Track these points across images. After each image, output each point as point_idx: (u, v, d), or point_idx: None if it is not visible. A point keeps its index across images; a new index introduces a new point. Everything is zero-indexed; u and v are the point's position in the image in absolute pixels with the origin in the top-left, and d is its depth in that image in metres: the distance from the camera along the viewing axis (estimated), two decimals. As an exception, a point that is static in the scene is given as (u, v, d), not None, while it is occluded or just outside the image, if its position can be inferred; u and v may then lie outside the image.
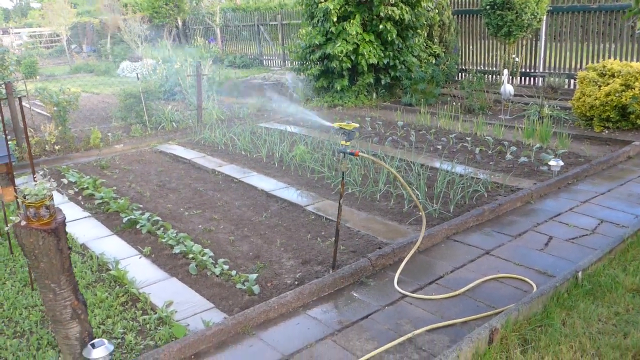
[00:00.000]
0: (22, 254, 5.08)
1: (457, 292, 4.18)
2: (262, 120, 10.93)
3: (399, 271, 4.51)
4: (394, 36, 11.45)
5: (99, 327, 3.90)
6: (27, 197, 3.03)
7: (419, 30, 12.35)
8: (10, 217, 3.12)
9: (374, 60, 11.46)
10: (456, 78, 13.82)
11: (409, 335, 3.63)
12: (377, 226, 5.52)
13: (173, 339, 3.68)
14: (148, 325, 3.93)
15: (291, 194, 6.58)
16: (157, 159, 8.68)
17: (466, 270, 4.57)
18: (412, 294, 4.19)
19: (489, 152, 7.88)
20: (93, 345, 3.26)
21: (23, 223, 3.04)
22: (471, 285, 4.27)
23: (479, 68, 13.72)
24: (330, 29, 11.44)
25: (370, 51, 11.43)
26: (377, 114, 11.00)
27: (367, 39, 11.42)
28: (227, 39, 22.69)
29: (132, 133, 10.04)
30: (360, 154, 4.25)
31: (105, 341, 3.30)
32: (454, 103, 10.73)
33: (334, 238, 4.60)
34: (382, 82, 12.03)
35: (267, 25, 20.33)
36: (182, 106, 12.24)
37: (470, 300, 4.09)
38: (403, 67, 12.04)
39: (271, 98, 12.70)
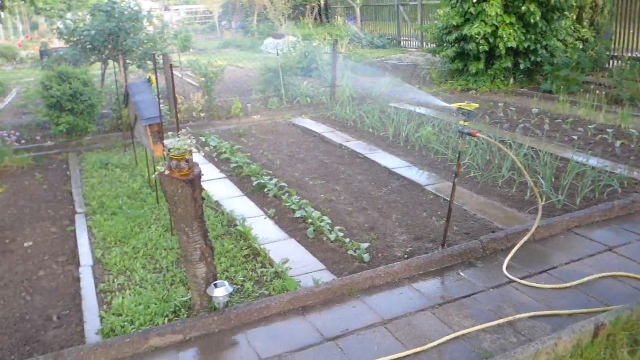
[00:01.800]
0: (166, 203, 5.77)
1: (568, 284, 4.07)
2: (393, 100, 11.03)
3: (509, 256, 4.48)
4: (537, 18, 10.86)
5: (223, 273, 4.37)
6: (171, 151, 3.50)
7: (566, 12, 11.58)
8: (157, 167, 3.63)
9: (513, 44, 11.00)
10: (605, 65, 12.78)
11: (510, 318, 3.65)
12: (494, 211, 5.47)
13: (285, 291, 4.03)
14: (265, 277, 4.33)
15: (412, 173, 6.68)
16: (290, 131, 9.19)
17: (583, 264, 4.41)
18: (519, 280, 4.16)
19: (632, 146, 7.32)
20: (215, 285, 3.71)
21: (166, 173, 3.53)
22: (585, 279, 4.13)
23: (635, 55, 12.55)
24: (469, 10, 11.15)
25: (510, 34, 10.97)
26: (511, 100, 10.60)
27: (507, 21, 10.96)
28: (366, 19, 22.88)
29: (269, 105, 10.68)
30: (478, 134, 4.26)
31: (226, 283, 3.74)
32: (598, 92, 10.00)
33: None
34: (521, 66, 11.50)
35: (407, 6, 20.17)
36: (317, 83, 12.70)
37: (581, 294, 3.97)
38: (545, 51, 11.41)
39: (404, 79, 12.73)
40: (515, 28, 11.08)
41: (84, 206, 6.03)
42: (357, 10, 22.55)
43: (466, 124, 4.25)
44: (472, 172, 6.51)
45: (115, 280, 4.41)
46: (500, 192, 5.96)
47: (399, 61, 16.23)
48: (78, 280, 4.48)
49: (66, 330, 3.87)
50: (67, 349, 3.46)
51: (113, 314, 3.90)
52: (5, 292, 4.39)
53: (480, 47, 11.16)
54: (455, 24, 11.53)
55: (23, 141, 8.55)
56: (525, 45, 11.22)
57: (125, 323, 3.77)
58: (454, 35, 11.65)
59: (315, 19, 25.31)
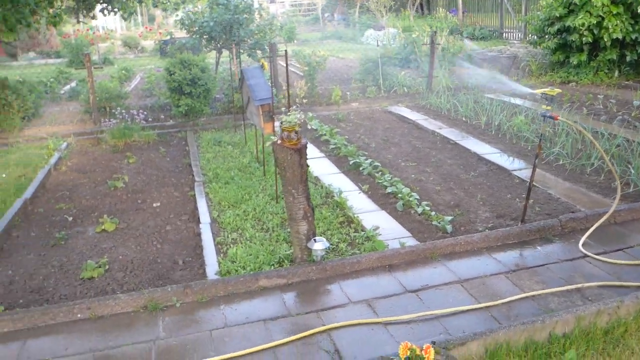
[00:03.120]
0: (272, 177, 6.51)
1: (642, 261, 4.30)
2: (489, 91, 11.17)
3: (586, 234, 4.74)
4: (646, 9, 10.52)
5: (321, 235, 4.99)
6: (283, 123, 4.16)
7: (681, 2, 11.08)
8: (271, 137, 4.30)
9: (619, 35, 10.72)
10: None
11: (579, 285, 3.97)
12: (579, 196, 5.68)
13: (374, 251, 4.59)
14: (357, 240, 4.92)
15: (501, 159, 6.97)
16: (385, 118, 9.69)
17: (661, 245, 4.59)
18: (593, 255, 4.43)
19: None
20: (315, 240, 4.34)
21: (279, 142, 4.20)
22: (661, 258, 4.33)
23: None
24: (573, 1, 11.01)
25: (616, 25, 10.71)
26: (613, 93, 10.39)
27: (614, 12, 10.70)
28: (468, 10, 22.71)
29: (367, 94, 11.22)
30: (559, 118, 4.55)
31: (324, 239, 4.37)
32: None
33: (532, 200, 4.98)
34: (627, 58, 11.19)
35: (512, -3, 19.84)
36: (415, 73, 13.04)
37: (654, 270, 4.20)
38: (655, 43, 11.02)
39: (503, 70, 12.75)
40: (623, 19, 10.80)
41: (201, 176, 6.92)
42: (460, 2, 22.44)
43: (549, 108, 4.56)
44: (562, 160, 6.69)
45: (229, 235, 5.18)
46: (588, 180, 6.13)
47: (499, 53, 16.10)
48: (198, 235, 5.30)
49: (190, 272, 4.67)
50: (194, 282, 4.24)
51: (229, 261, 4.65)
52: (141, 240, 5.30)
53: (584, 38, 10.99)
54: (558, 15, 11.42)
55: (150, 119, 9.73)
56: (633, 36, 10.90)
57: (239, 268, 4.51)
58: (556, 27, 11.54)
59: (417, 11, 25.43)
